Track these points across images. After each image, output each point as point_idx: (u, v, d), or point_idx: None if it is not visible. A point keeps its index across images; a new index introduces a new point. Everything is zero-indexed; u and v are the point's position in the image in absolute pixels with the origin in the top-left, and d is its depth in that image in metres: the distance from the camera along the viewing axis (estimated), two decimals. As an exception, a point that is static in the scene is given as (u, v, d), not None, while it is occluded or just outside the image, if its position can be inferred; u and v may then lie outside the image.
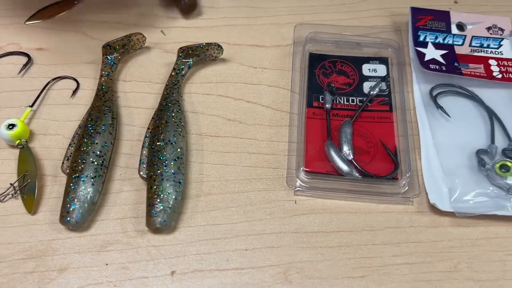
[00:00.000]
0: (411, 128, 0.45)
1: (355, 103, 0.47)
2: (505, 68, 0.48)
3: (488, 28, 0.52)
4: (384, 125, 0.45)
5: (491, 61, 0.49)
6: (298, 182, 0.42)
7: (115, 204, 0.41)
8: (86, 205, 0.39)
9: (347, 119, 0.45)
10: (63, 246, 0.39)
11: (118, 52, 0.49)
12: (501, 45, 0.50)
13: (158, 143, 0.42)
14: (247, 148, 0.45)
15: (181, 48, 0.49)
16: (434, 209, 0.41)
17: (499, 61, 0.49)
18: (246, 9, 0.56)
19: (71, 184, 0.40)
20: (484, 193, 0.41)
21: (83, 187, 0.40)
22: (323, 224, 0.40)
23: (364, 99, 0.47)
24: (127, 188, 0.42)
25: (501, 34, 0.51)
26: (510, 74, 0.48)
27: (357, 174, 0.42)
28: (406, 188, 0.41)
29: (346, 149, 0.43)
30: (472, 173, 0.42)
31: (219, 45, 0.50)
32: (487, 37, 0.51)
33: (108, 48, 0.49)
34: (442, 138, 0.44)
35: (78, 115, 0.46)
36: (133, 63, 0.51)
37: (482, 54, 0.50)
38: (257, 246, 0.39)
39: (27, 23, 0.54)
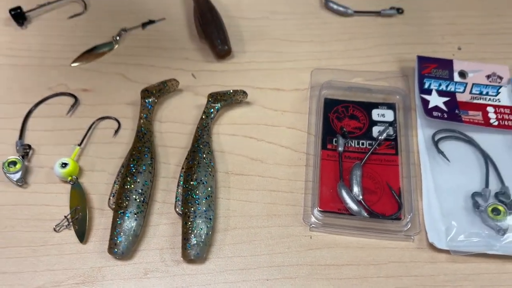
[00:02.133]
0: (414, 170, 0.51)
1: (365, 146, 0.52)
2: (501, 115, 0.54)
3: (488, 76, 0.57)
4: (390, 168, 0.51)
5: (489, 108, 0.54)
6: (313, 219, 0.48)
7: (154, 236, 0.48)
8: (130, 237, 0.46)
9: (357, 162, 0.51)
10: (111, 272, 0.45)
11: (154, 96, 0.55)
12: (499, 92, 0.56)
13: (191, 183, 0.48)
14: (269, 186, 0.51)
15: (210, 93, 0.55)
16: (432, 246, 0.46)
17: (496, 108, 0.54)
18: (270, 54, 0.61)
19: (118, 219, 0.46)
20: (476, 233, 0.46)
21: (127, 222, 0.46)
22: (335, 258, 0.46)
23: (373, 143, 0.52)
24: (164, 221, 0.49)
25: (499, 82, 0.56)
26: (506, 121, 0.53)
27: (365, 214, 0.47)
28: (409, 226, 0.47)
29: (356, 190, 0.49)
30: (468, 214, 0.48)
31: (244, 92, 0.56)
32: (487, 85, 0.56)
33: (146, 92, 0.55)
34: (442, 181, 0.50)
35: (120, 152, 0.53)
36: (168, 105, 0.57)
37: (481, 101, 0.55)
38: (277, 277, 0.45)
39: (72, 65, 0.61)
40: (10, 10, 0.63)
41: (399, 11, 0.65)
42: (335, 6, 0.65)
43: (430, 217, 0.48)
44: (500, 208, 0.47)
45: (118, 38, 0.62)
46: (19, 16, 0.63)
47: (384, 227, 0.47)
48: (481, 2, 0.66)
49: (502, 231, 0.46)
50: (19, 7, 0.64)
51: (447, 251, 0.46)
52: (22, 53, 0.62)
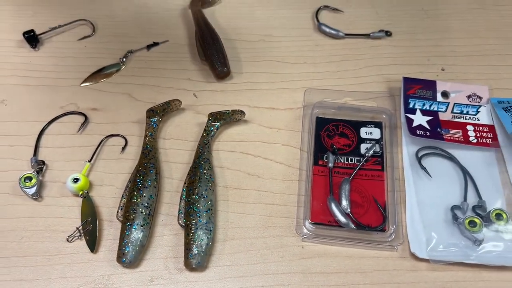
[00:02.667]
0: (399, 185, 0.55)
1: (353, 162, 0.57)
2: (480, 133, 0.58)
3: (468, 96, 0.61)
4: (376, 183, 0.55)
5: (469, 127, 0.58)
6: (305, 231, 0.52)
7: (159, 246, 0.52)
8: (137, 248, 0.50)
9: (346, 177, 0.55)
10: (119, 280, 0.49)
11: (159, 115, 0.60)
12: (479, 111, 0.60)
13: (193, 197, 0.53)
14: (264, 199, 0.55)
15: (211, 113, 0.60)
16: (414, 255, 0.50)
17: (476, 127, 0.58)
18: (266, 75, 0.66)
19: (125, 231, 0.51)
20: (455, 244, 0.50)
21: (135, 233, 0.50)
22: (325, 266, 0.50)
23: (361, 159, 0.56)
24: (168, 232, 0.53)
25: (479, 102, 0.61)
26: (484, 139, 0.57)
27: (353, 225, 0.51)
28: (393, 237, 0.51)
29: (344, 203, 0.53)
30: (447, 225, 0.52)
31: (242, 111, 0.60)
32: (467, 104, 0.60)
33: (151, 112, 0.60)
34: (424, 195, 0.54)
35: (127, 168, 0.57)
36: (171, 123, 0.61)
37: (462, 120, 0.59)
38: (272, 284, 0.49)
39: (82, 85, 0.65)
40: (24, 33, 0.68)
41: (388, 33, 0.69)
42: (327, 29, 0.70)
43: (412, 228, 0.52)
44: (477, 220, 0.51)
45: (124, 59, 0.67)
46: (32, 38, 0.68)
47: (370, 238, 0.51)
48: (464, 26, 0.71)
49: (478, 242, 0.50)
50: (32, 30, 0.68)
51: (427, 260, 0.50)
52: (35, 74, 0.66)
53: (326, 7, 0.74)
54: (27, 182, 0.54)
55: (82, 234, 0.52)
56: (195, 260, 0.49)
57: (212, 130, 0.59)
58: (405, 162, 0.57)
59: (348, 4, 0.75)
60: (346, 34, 0.70)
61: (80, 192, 0.54)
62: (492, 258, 0.49)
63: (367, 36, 0.69)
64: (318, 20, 0.71)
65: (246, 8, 0.75)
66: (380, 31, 0.69)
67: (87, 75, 0.65)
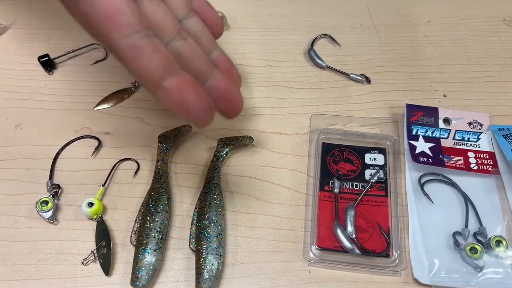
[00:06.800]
0: (402, 211, 0.57)
1: (358, 188, 0.59)
2: (480, 160, 0.60)
3: (470, 123, 0.63)
4: (380, 208, 0.57)
5: (470, 154, 0.60)
6: (312, 256, 0.54)
7: (170, 269, 0.54)
8: (150, 272, 0.52)
9: (351, 203, 0.57)
10: (133, 303, 0.52)
11: (170, 140, 0.62)
12: (479, 138, 0.62)
13: (203, 222, 0.55)
14: (272, 224, 0.57)
15: (220, 138, 0.62)
16: (417, 281, 0.52)
17: (476, 154, 0.60)
18: (273, 100, 0.68)
19: (139, 255, 0.52)
20: (456, 270, 0.52)
21: (148, 258, 0.52)
22: (330, 291, 0.52)
23: (365, 185, 0.59)
24: (179, 256, 0.55)
25: (479, 129, 0.63)
26: (484, 166, 0.59)
27: (358, 251, 0.53)
28: (396, 262, 0.53)
29: (350, 229, 0.55)
30: (449, 251, 0.54)
31: (250, 137, 0.62)
32: (468, 131, 0.62)
33: (163, 137, 0.62)
34: (426, 221, 0.56)
35: (140, 192, 0.59)
36: (182, 147, 0.63)
37: (463, 147, 0.61)
38: (280, 308, 0.51)
39: (95, 109, 0.67)
40: (39, 57, 0.70)
41: (368, 80, 0.69)
42: (315, 57, 0.71)
43: (415, 254, 0.54)
44: (477, 247, 0.53)
45: (136, 83, 0.69)
46: (47, 63, 0.70)
47: (374, 263, 0.53)
48: (465, 52, 0.73)
49: (479, 268, 0.52)
50: (47, 54, 0.70)
51: (429, 286, 0.52)
52: (50, 98, 0.68)
53: (325, 35, 0.76)
54: (44, 206, 0.56)
55: (97, 258, 0.54)
56: (206, 284, 0.51)
57: (221, 155, 0.61)
58: (408, 188, 0.59)
59: (352, 30, 0.77)
60: (328, 66, 0.71)
61: (95, 216, 0.56)
62: (492, 285, 0.51)
63: (347, 75, 0.70)
64: (312, 46, 0.73)
65: (254, 33, 0.77)
66: (361, 75, 0.69)
67: (100, 99, 0.68)
